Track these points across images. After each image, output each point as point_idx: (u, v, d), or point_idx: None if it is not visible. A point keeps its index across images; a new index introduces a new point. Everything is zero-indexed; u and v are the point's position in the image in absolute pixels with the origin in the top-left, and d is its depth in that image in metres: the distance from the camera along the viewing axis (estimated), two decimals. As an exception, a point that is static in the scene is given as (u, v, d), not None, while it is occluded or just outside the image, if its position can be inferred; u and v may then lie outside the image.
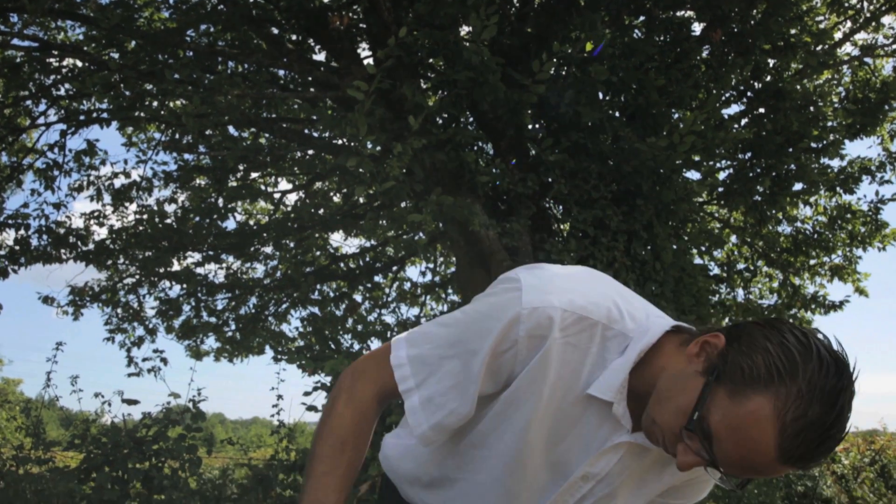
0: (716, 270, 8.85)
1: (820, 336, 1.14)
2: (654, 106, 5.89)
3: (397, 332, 6.34)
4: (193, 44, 6.52)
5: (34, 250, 7.54)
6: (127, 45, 6.19)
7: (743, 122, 7.19)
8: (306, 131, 7.56)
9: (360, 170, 4.92)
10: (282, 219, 8.90)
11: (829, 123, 7.30)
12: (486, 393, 1.33)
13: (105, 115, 7.47)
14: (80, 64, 6.99)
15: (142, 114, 7.07)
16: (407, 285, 10.48)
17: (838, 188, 7.83)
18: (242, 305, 9.52)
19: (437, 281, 10.39)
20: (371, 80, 4.75)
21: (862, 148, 36.39)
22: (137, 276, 8.81)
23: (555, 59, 6.01)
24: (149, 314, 9.08)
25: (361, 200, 8.40)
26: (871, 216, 8.20)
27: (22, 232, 7.56)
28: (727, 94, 6.99)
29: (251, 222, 9.60)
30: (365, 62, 6.05)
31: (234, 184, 8.26)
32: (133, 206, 8.31)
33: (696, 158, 6.53)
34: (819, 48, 7.08)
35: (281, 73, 7.01)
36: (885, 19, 8.23)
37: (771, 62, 6.83)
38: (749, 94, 7.09)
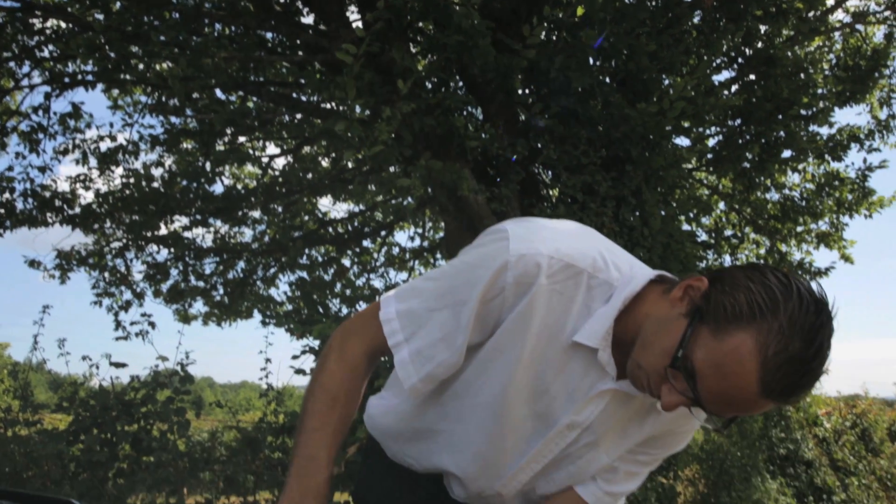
0: (703, 237, 8.88)
1: (800, 278, 1.16)
2: (644, 72, 5.86)
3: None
4: (180, 5, 6.41)
5: (19, 214, 7.48)
6: (112, 5, 6.09)
7: (733, 88, 7.17)
8: (294, 95, 7.49)
9: (349, 134, 4.89)
10: (270, 183, 8.86)
11: (820, 91, 7.28)
12: (474, 342, 1.35)
13: (90, 77, 7.36)
14: (63, 25, 6.87)
15: (127, 76, 6.97)
16: (395, 250, 10.49)
17: (827, 155, 7.84)
18: (230, 269, 9.51)
19: (426, 246, 10.40)
20: (360, 43, 4.70)
21: (851, 115, 36.43)
22: (124, 240, 8.76)
23: (545, 24, 5.96)
24: (136, 278, 9.06)
25: (350, 165, 8.36)
26: (859, 183, 8.23)
27: (7, 195, 7.49)
28: (718, 61, 6.96)
29: (239, 186, 9.54)
30: (354, 25, 5.98)
31: (222, 148, 8.19)
32: (119, 170, 8.24)
33: (686, 125, 6.53)
34: (811, 14, 7.05)
35: (269, 35, 6.92)
36: (878, -15, 8.18)
37: (762, 28, 6.79)
38: (740, 60, 7.07)
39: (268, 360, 5.45)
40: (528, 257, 1.25)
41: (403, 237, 38.39)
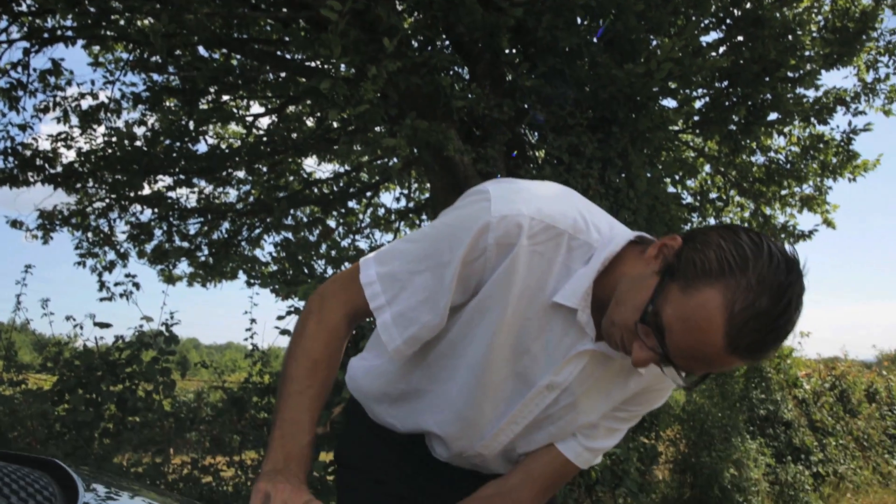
0: (688, 199, 8.93)
1: (772, 238, 1.17)
2: (632, 32, 5.82)
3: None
4: (161, -41, 6.28)
5: (0, 173, 7.38)
6: (91, -42, 5.96)
7: (721, 49, 7.13)
8: (279, 53, 7.38)
9: (334, 93, 4.84)
10: (254, 143, 8.78)
11: (807, 53, 7.26)
12: (456, 303, 1.36)
13: (70, 32, 7.21)
14: (41, -22, 6.72)
15: (108, 32, 6.84)
16: (381, 211, 10.47)
17: (812, 118, 7.85)
18: (215, 230, 9.46)
19: (411, 207, 10.37)
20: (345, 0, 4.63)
21: (837, 78, 36.33)
22: (107, 200, 8.68)
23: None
24: (120, 238, 8.99)
25: (335, 125, 8.28)
26: (843, 146, 8.25)
27: (-13, 154, 7.38)
28: (706, 21, 6.91)
29: (223, 146, 9.45)
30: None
31: (205, 106, 8.09)
32: (101, 129, 8.12)
33: (673, 86, 6.50)
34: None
35: (252, -10, 6.80)
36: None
37: (751, -12, 6.75)
38: (728, 21, 7.02)
39: (253, 321, 5.43)
40: (510, 218, 1.26)
41: (389, 198, 38.32)
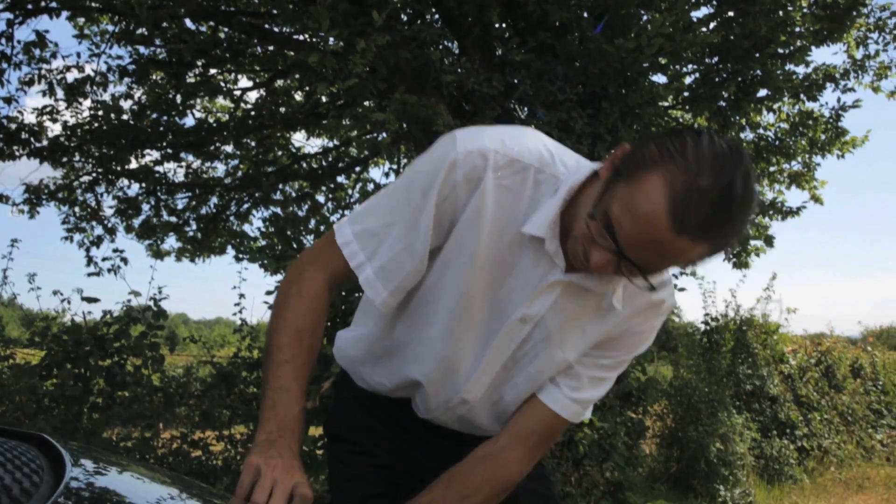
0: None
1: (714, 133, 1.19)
2: (623, 6, 5.79)
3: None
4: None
5: (-15, 146, 7.30)
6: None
7: (711, 25, 7.10)
8: (266, 26, 7.30)
9: (323, 67, 4.80)
10: (242, 117, 8.70)
11: (797, 29, 7.24)
12: (434, 246, 1.38)
13: (54, 3, 7.11)
14: (24, -53, 6.61)
15: (93, 3, 6.75)
16: (370, 186, 10.42)
17: (802, 95, 7.84)
18: (203, 205, 9.41)
19: (401, 182, 10.32)
20: (333, -28, 4.58)
21: (827, 55, 36.36)
22: (94, 174, 8.61)
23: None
24: (107, 213, 8.93)
25: (324, 99, 8.22)
26: (832, 123, 8.26)
27: (-30, 127, 7.29)
28: (697, -4, 6.88)
29: (210, 120, 9.37)
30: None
31: (193, 80, 8.01)
32: (87, 102, 8.02)
33: (663, 62, 6.48)
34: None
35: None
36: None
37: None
38: (719, -4, 6.99)
39: (241, 296, 5.43)
40: (475, 152, 1.29)
41: (378, 173, 37.94)
